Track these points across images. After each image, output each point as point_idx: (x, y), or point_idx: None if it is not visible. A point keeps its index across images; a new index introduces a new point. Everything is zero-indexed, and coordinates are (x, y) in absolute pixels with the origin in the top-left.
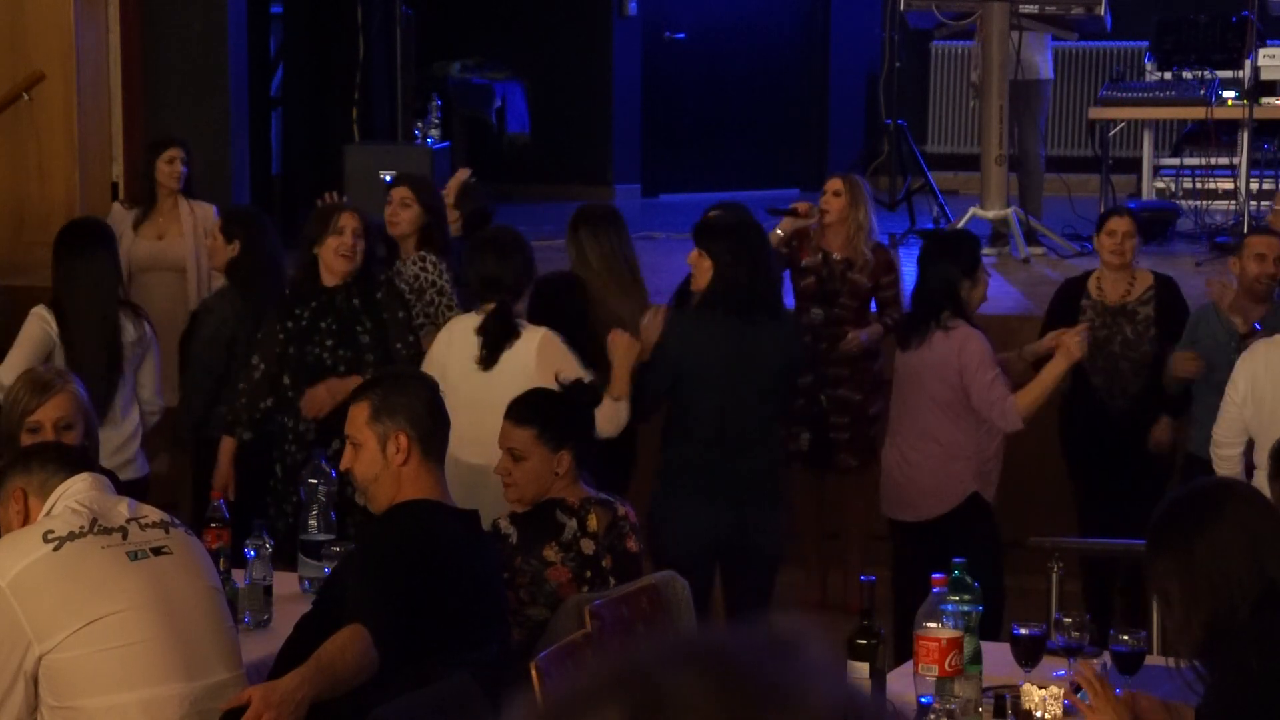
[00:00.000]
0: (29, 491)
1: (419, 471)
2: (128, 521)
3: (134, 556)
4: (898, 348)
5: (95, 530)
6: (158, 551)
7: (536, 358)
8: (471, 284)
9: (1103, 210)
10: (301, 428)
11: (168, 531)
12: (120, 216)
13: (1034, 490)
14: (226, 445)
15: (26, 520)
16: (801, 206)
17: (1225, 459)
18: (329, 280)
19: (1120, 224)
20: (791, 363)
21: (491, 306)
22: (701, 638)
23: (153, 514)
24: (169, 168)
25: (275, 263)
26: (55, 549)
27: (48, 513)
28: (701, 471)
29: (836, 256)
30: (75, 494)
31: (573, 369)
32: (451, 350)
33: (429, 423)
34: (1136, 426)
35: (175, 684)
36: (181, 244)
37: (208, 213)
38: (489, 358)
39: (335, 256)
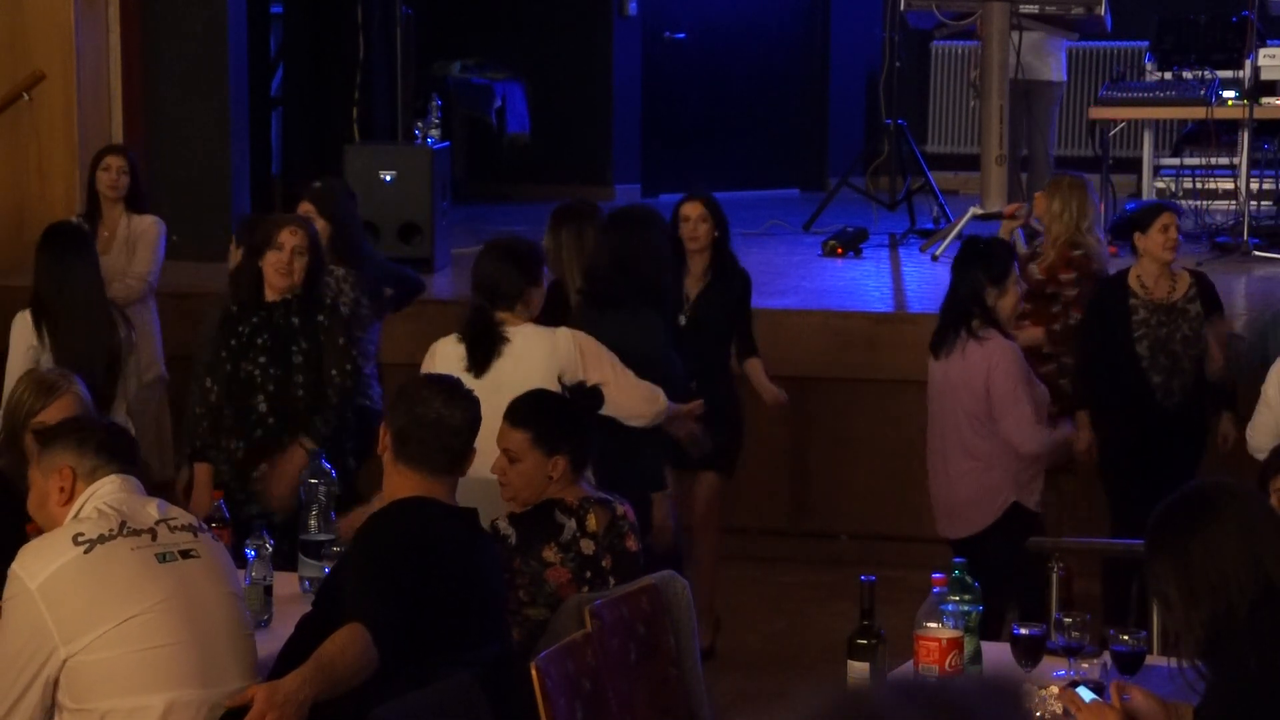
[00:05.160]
0: (79, 474)
1: (395, 469)
2: (157, 523)
3: (162, 558)
4: (930, 356)
5: (125, 532)
6: (186, 555)
7: (579, 357)
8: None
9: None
10: (234, 446)
11: (196, 535)
12: None
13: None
14: (203, 472)
15: (70, 500)
16: (1008, 208)
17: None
18: (270, 295)
19: (1173, 219)
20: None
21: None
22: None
23: (183, 517)
24: (105, 175)
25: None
26: (86, 551)
27: (76, 514)
28: None
29: None
30: (104, 495)
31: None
32: (434, 365)
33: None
34: (1190, 422)
35: (195, 689)
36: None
37: (146, 225)
38: (480, 364)
39: (273, 273)
